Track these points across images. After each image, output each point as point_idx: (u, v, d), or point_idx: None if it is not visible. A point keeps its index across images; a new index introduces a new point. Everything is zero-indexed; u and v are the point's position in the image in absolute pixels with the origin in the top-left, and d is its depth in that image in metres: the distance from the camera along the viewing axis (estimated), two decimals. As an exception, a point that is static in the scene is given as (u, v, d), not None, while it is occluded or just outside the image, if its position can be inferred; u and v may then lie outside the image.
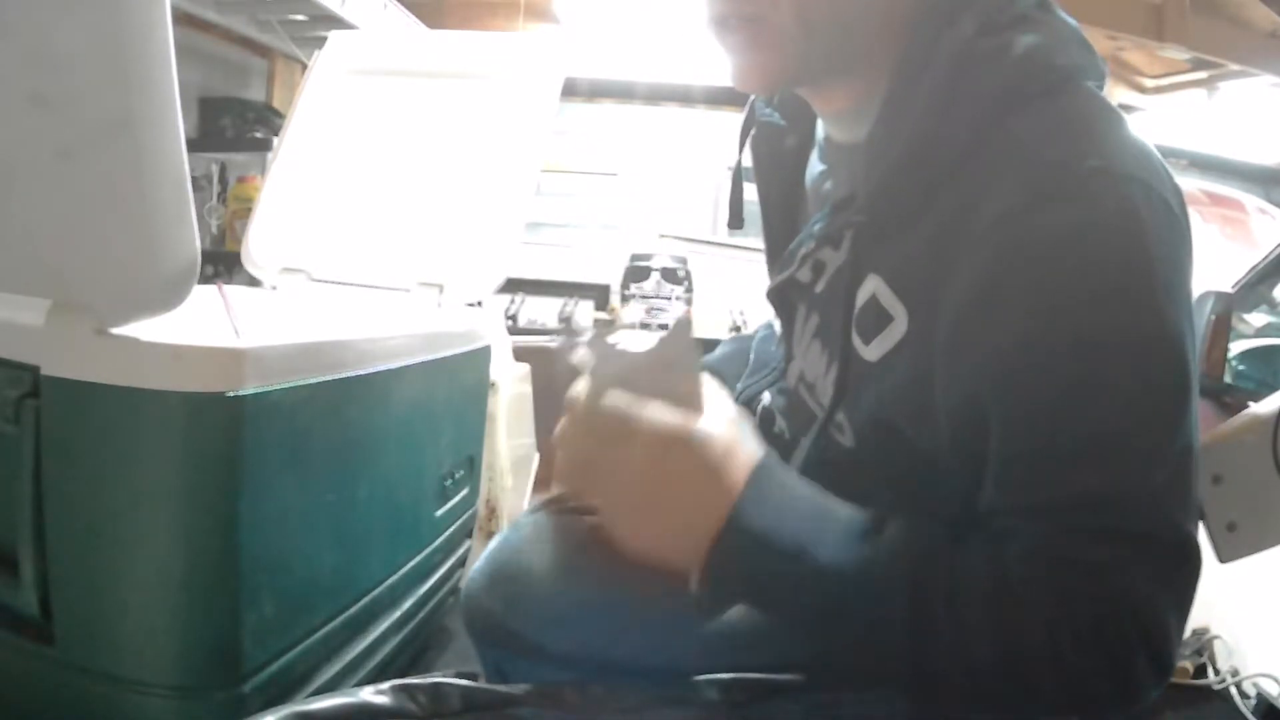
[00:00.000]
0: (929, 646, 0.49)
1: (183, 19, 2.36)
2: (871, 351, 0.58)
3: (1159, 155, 0.53)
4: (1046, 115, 0.52)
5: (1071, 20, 0.57)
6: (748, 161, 0.78)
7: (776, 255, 0.73)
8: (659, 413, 0.51)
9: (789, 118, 0.73)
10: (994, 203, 0.50)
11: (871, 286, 0.57)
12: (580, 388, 0.55)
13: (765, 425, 0.73)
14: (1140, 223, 0.49)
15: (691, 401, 0.53)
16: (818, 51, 0.59)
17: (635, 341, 0.55)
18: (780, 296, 0.70)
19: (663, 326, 2.93)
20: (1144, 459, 0.49)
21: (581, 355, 0.55)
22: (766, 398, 0.74)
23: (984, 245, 0.50)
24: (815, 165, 0.70)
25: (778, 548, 0.50)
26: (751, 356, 0.81)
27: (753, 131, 0.75)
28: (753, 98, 0.73)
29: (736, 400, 0.76)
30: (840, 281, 0.60)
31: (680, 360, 0.53)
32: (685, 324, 0.54)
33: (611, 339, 0.55)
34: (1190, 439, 0.50)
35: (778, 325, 0.75)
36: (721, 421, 0.53)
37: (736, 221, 0.78)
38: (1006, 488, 0.51)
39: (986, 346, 0.50)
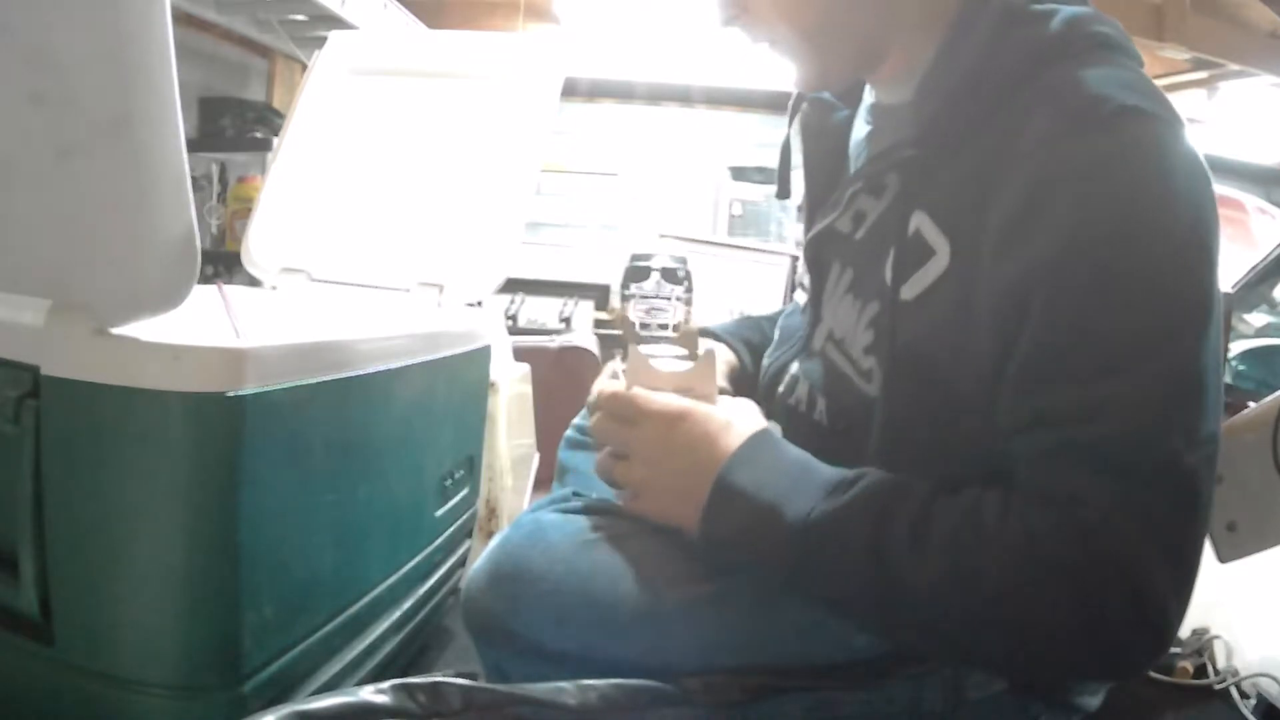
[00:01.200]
0: (890, 573, 0.50)
1: (183, 19, 2.36)
2: (909, 289, 0.59)
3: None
4: (1085, 68, 0.55)
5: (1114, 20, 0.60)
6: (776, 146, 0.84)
7: (815, 210, 0.75)
8: (671, 398, 0.61)
9: (841, 95, 0.76)
10: (1032, 132, 0.53)
11: (916, 222, 0.59)
12: (608, 384, 0.67)
13: (789, 392, 0.73)
14: (1167, 156, 0.51)
15: (706, 397, 0.63)
16: (837, 55, 0.63)
17: (666, 362, 0.65)
18: (817, 250, 0.71)
19: (662, 326, 2.93)
20: (1157, 393, 0.49)
21: (617, 365, 0.67)
22: (794, 367, 0.74)
23: (1025, 165, 0.53)
24: (860, 130, 0.72)
25: (758, 501, 0.55)
26: (776, 333, 0.82)
27: (804, 106, 0.77)
28: None
29: (764, 372, 0.79)
30: (887, 222, 0.62)
31: (702, 380, 0.64)
32: (712, 355, 0.65)
33: (646, 351, 0.66)
34: (1205, 368, 0.50)
35: (802, 299, 0.77)
36: (728, 402, 0.62)
37: (784, 191, 0.82)
38: (1020, 392, 0.52)
39: (1026, 255, 0.52)
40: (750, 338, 0.90)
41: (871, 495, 0.53)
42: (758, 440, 0.59)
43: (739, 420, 0.60)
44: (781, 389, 0.74)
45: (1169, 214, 0.51)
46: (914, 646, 0.57)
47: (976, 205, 0.55)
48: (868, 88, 0.72)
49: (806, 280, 0.75)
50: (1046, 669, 0.54)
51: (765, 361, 0.80)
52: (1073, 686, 0.63)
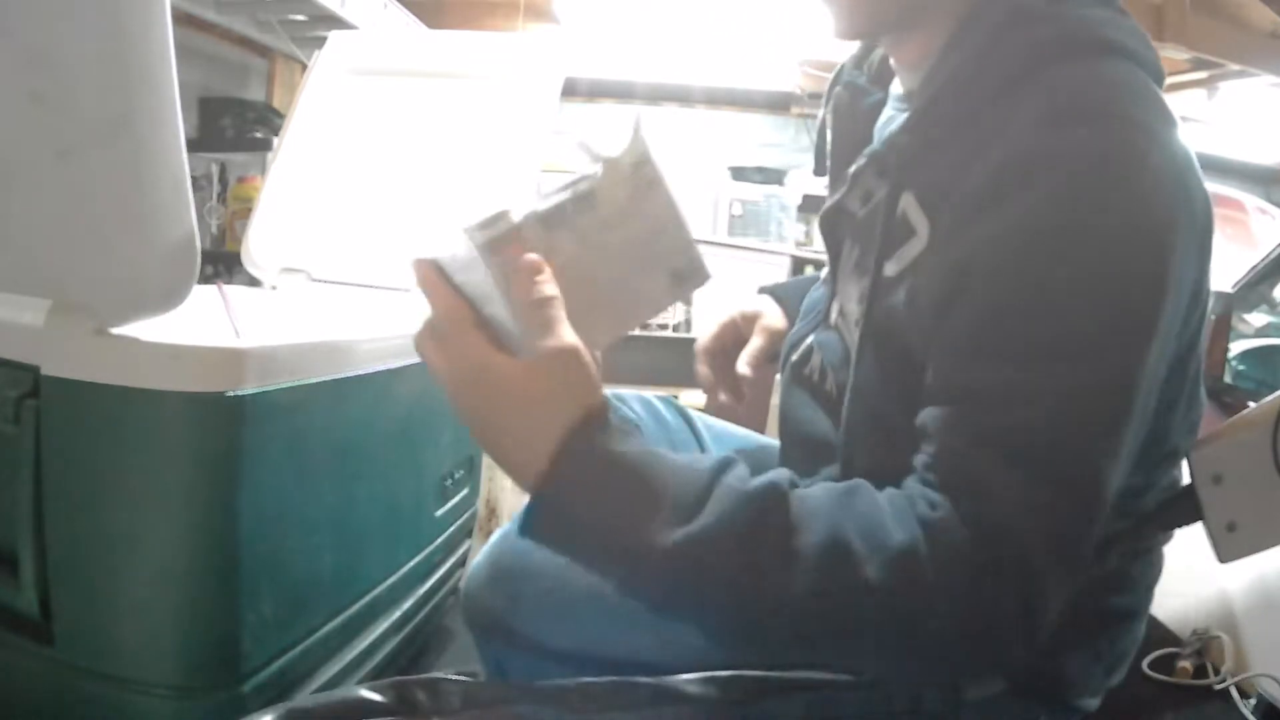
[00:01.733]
0: (763, 588, 0.47)
1: (183, 19, 2.36)
2: (891, 267, 0.59)
3: (1189, 147, 0.54)
4: (1084, 69, 0.55)
5: (1136, 23, 0.60)
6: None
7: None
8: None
9: (874, 79, 0.76)
10: (1016, 121, 0.52)
11: (903, 203, 0.59)
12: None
13: (804, 362, 0.74)
14: (1147, 164, 0.50)
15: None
16: (890, 5, 0.62)
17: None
18: (830, 225, 0.71)
19: (661, 326, 2.92)
20: (1068, 395, 0.48)
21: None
22: (811, 339, 0.75)
23: (999, 146, 0.52)
24: (885, 115, 0.72)
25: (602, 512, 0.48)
26: (803, 305, 0.82)
27: (838, 89, 0.77)
28: (842, 63, 0.78)
29: (787, 343, 0.78)
30: (881, 202, 0.62)
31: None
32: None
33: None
34: (1138, 381, 0.49)
35: (824, 273, 0.78)
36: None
37: (821, 169, 0.81)
38: (944, 365, 0.52)
39: (978, 231, 0.52)
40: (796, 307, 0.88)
41: (735, 511, 0.48)
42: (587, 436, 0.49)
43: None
44: (796, 358, 0.75)
45: (1134, 219, 0.50)
46: (784, 660, 0.55)
47: (958, 188, 0.55)
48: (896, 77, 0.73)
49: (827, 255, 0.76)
50: (919, 666, 0.51)
51: (790, 332, 0.81)
52: (1072, 687, 0.64)
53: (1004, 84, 0.55)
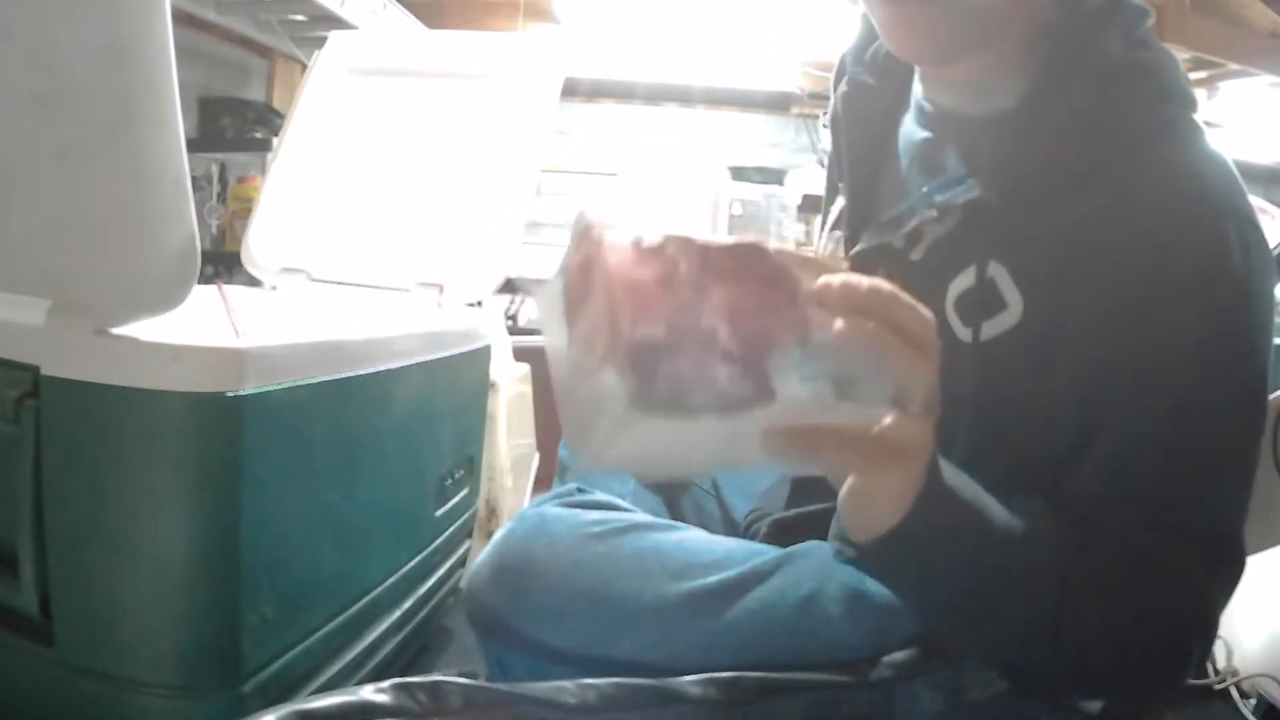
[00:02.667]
0: (1046, 627, 0.51)
1: (183, 19, 2.36)
2: (979, 333, 0.60)
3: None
4: (1179, 141, 0.58)
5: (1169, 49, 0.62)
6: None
7: (858, 213, 0.74)
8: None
9: (880, 78, 0.73)
10: (1138, 221, 0.55)
11: (991, 271, 0.60)
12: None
13: None
14: (1255, 264, 0.55)
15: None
16: (971, 27, 0.60)
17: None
18: (865, 262, 0.70)
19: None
20: (1228, 482, 0.55)
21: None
22: None
23: (1129, 259, 0.55)
24: (915, 131, 0.70)
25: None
26: None
27: (844, 87, 0.75)
28: (842, 55, 0.76)
29: None
30: (951, 255, 0.61)
31: None
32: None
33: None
34: (1254, 467, 0.57)
35: None
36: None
37: (837, 175, 0.81)
38: (1108, 478, 0.55)
39: (1121, 350, 0.55)
40: None
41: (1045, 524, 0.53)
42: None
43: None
44: None
45: (1256, 317, 0.55)
46: (1031, 676, 0.58)
47: (1061, 274, 0.57)
48: (916, 84, 0.70)
49: None
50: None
51: None
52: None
53: (1107, 158, 0.56)
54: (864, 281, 0.41)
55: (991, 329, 0.59)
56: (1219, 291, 0.54)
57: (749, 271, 0.39)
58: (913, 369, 0.42)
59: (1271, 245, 0.59)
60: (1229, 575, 0.55)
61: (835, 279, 0.41)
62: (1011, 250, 0.59)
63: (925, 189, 0.64)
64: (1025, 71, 0.61)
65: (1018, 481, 0.55)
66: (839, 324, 0.40)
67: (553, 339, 0.42)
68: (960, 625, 0.55)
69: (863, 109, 0.74)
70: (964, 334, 0.60)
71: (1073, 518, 0.53)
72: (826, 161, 0.80)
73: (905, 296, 0.43)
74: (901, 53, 0.64)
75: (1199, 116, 0.60)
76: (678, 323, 0.37)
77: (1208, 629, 0.54)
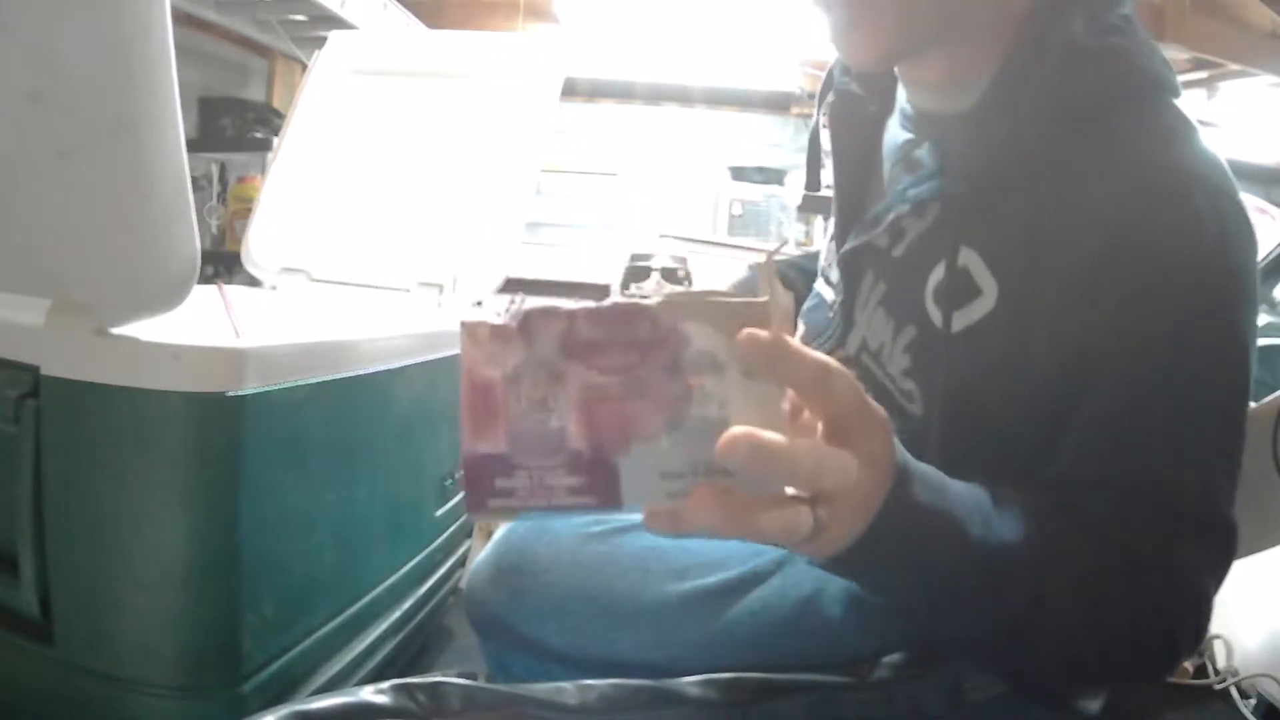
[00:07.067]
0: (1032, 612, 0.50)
1: (183, 19, 2.36)
2: (954, 322, 0.59)
3: (1221, 161, 0.58)
4: (1146, 120, 0.57)
5: (1148, 35, 0.61)
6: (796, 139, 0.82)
7: (846, 216, 0.73)
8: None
9: (866, 86, 0.74)
10: (1104, 199, 0.54)
11: (964, 259, 0.59)
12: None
13: None
14: (1229, 239, 0.53)
15: None
16: (919, 23, 0.60)
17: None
18: (852, 261, 0.70)
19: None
20: (1210, 456, 0.54)
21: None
22: None
23: (1094, 237, 0.53)
24: (898, 133, 0.70)
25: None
26: (801, 326, 0.81)
27: (830, 98, 0.75)
28: (831, 64, 0.75)
29: None
30: (929, 248, 0.61)
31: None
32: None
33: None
34: (1242, 441, 0.55)
35: (827, 294, 0.75)
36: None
37: (814, 184, 0.80)
38: (1085, 460, 0.54)
39: (1090, 332, 0.53)
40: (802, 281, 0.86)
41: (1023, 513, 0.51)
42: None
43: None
44: None
45: (1232, 293, 0.54)
46: (1018, 673, 0.57)
47: (1033, 257, 0.56)
48: (900, 89, 0.71)
49: (834, 276, 0.73)
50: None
51: None
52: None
53: (1072, 138, 0.56)
54: (799, 351, 0.35)
55: (968, 316, 0.59)
56: (1190, 264, 0.53)
57: (620, 339, 0.34)
58: (841, 481, 0.36)
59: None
60: (1218, 554, 0.54)
61: (753, 340, 0.34)
62: (983, 237, 0.58)
63: (900, 186, 0.64)
64: (994, 65, 0.61)
65: (997, 470, 0.53)
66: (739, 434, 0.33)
67: None
68: (934, 621, 0.53)
69: (850, 116, 0.74)
70: (941, 324, 0.60)
71: (1055, 503, 0.52)
72: (824, 164, 0.80)
73: (855, 387, 0.37)
74: (848, 59, 0.64)
75: (1181, 103, 0.59)
76: (519, 430, 0.34)
77: (1200, 609, 0.53)
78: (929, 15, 0.59)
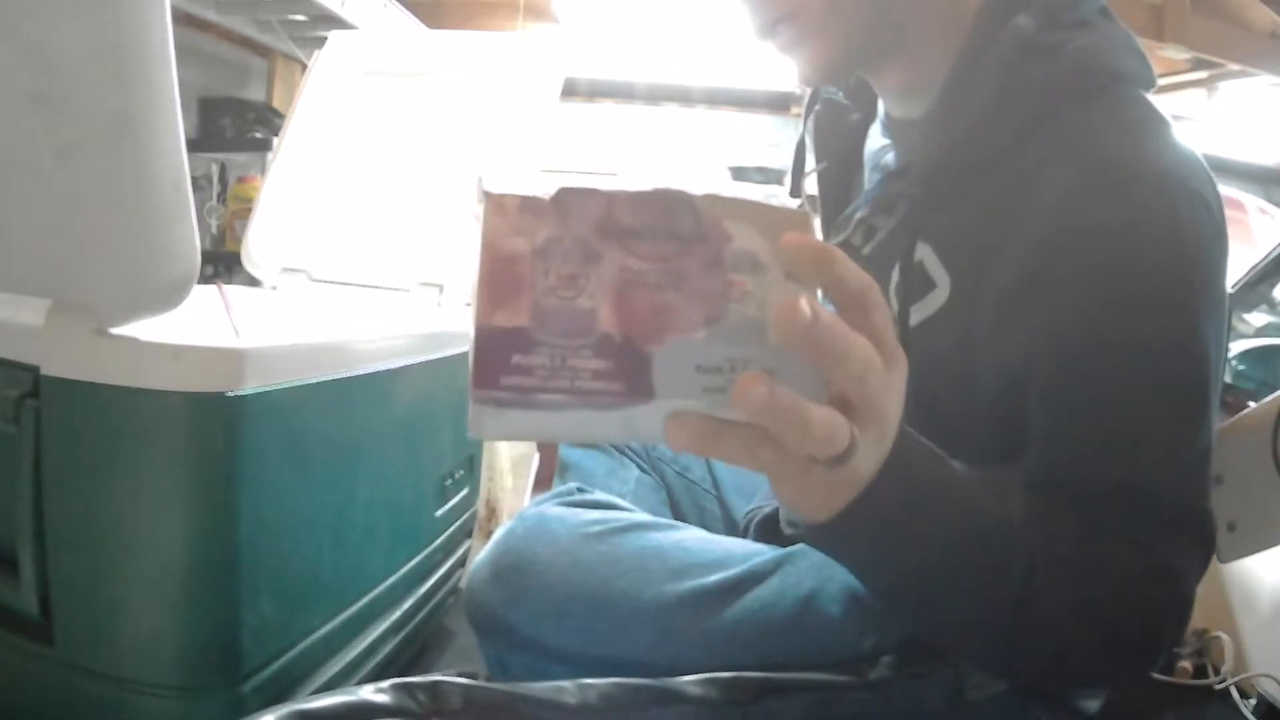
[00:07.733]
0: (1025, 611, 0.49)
1: (183, 19, 2.36)
2: (912, 316, 0.60)
3: (1203, 160, 0.55)
4: (1100, 112, 0.55)
5: (1127, 29, 0.60)
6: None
7: (829, 218, 0.75)
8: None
9: (851, 95, 0.75)
10: (1049, 188, 0.53)
11: (920, 253, 0.60)
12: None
13: None
14: (1182, 227, 0.52)
15: None
16: (860, 36, 0.60)
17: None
18: None
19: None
20: (1173, 454, 0.52)
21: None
22: None
23: (1037, 227, 0.53)
24: (877, 139, 0.71)
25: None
26: None
27: (817, 107, 0.77)
28: None
29: None
30: (893, 245, 0.62)
31: None
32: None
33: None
34: (1210, 437, 0.54)
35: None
36: None
37: (796, 190, 0.80)
38: (1052, 466, 0.53)
39: (1034, 326, 0.53)
40: None
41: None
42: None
43: None
44: None
45: (1185, 282, 0.52)
46: (1007, 664, 0.56)
47: (982, 249, 0.55)
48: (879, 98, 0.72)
49: None
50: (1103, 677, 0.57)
51: None
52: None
53: (1021, 133, 0.55)
54: (848, 261, 0.34)
55: (924, 309, 0.59)
56: (1133, 254, 0.51)
57: (661, 230, 0.32)
58: (873, 382, 0.34)
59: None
60: (1194, 547, 0.52)
61: (803, 242, 0.33)
62: (938, 232, 0.59)
63: (869, 187, 0.66)
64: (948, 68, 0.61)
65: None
66: (795, 312, 0.31)
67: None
68: (931, 606, 0.52)
69: (834, 124, 0.76)
70: (898, 318, 0.61)
71: (1029, 501, 0.51)
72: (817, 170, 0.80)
73: (890, 315, 0.37)
74: (798, 74, 0.65)
75: (1153, 96, 0.58)
76: (545, 305, 0.31)
77: (1180, 604, 0.51)
78: (871, 26, 0.60)
